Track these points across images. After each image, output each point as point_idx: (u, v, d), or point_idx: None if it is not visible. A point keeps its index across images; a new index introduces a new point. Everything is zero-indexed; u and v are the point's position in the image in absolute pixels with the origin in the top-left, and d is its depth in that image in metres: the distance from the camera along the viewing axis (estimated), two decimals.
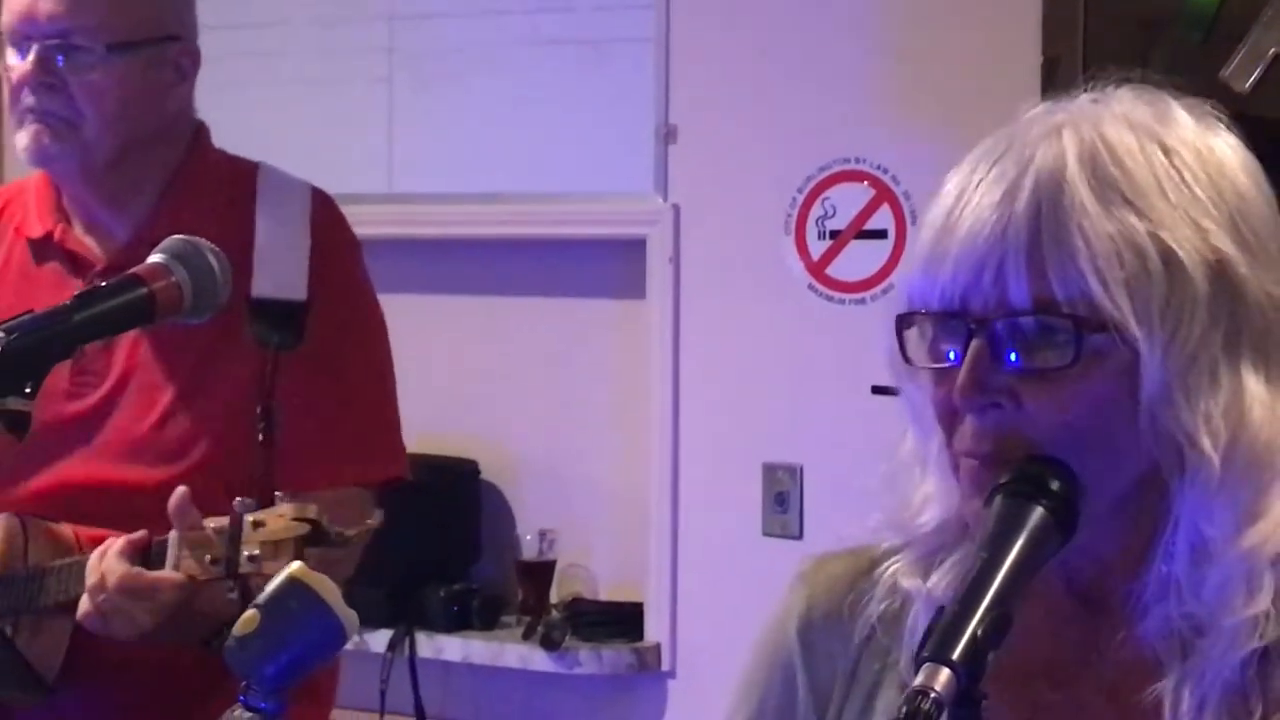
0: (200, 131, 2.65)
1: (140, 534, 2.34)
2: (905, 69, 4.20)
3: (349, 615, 1.25)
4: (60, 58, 2.48)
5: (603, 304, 4.59)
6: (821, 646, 1.53)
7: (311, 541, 2.24)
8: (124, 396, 2.51)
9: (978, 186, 1.38)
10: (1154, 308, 1.34)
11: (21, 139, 2.52)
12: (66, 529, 2.48)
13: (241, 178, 2.61)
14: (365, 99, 4.71)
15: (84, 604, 2.34)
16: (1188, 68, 3.86)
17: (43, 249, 2.60)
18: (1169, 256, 1.35)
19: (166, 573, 2.28)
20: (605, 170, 4.52)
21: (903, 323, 1.41)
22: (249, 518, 2.24)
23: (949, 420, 1.40)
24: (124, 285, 1.90)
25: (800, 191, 4.31)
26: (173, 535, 2.28)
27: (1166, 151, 1.38)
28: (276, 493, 2.30)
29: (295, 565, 1.26)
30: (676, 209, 4.43)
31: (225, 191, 2.59)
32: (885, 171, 4.23)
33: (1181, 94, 1.46)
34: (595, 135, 4.52)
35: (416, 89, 4.71)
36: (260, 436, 2.42)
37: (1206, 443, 1.35)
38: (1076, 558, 1.39)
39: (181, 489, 2.29)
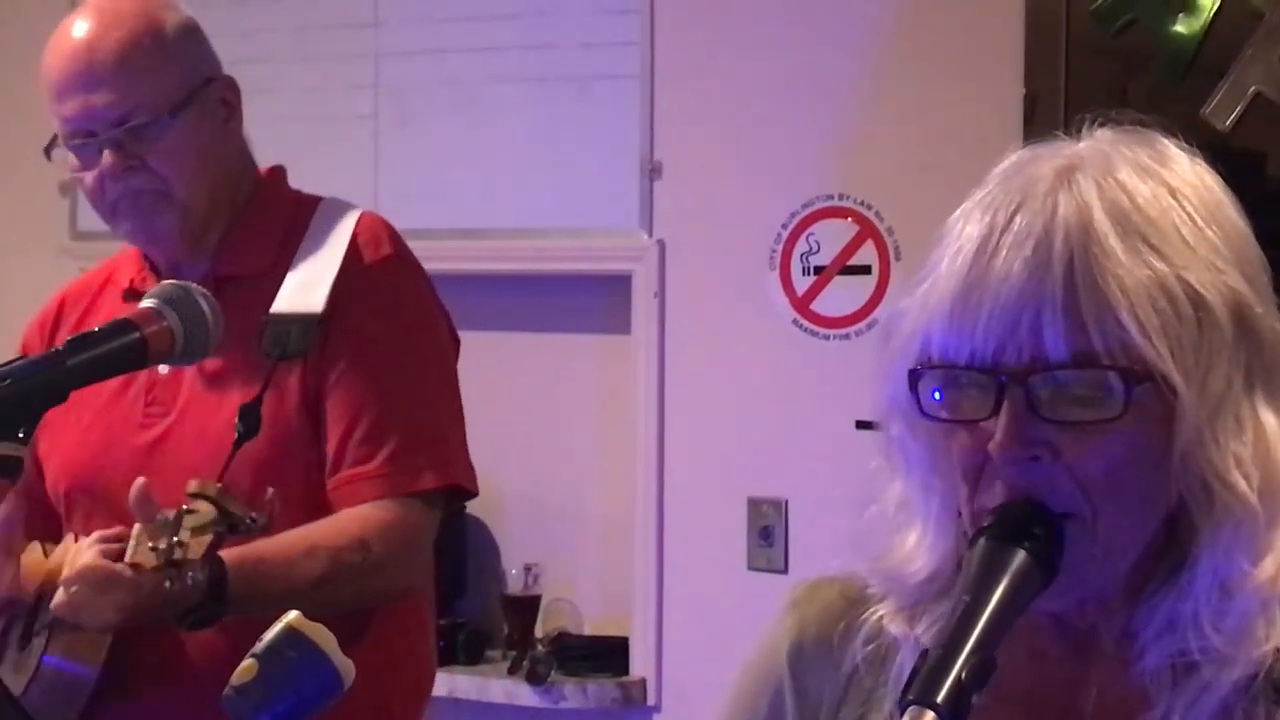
0: (272, 173, 2.75)
1: (116, 529, 2.41)
2: (888, 105, 4.23)
3: (345, 664, 1.26)
4: (127, 139, 2.56)
5: (588, 339, 4.61)
6: (811, 673, 1.53)
7: (230, 528, 2.30)
8: (182, 426, 2.59)
9: (1000, 237, 1.36)
10: (1189, 352, 1.35)
11: (124, 227, 2.63)
12: None
13: (303, 210, 2.69)
14: (351, 135, 4.74)
15: (58, 595, 2.40)
16: (1169, 104, 3.89)
17: (131, 299, 2.66)
18: (1198, 300, 1.35)
19: (121, 564, 2.34)
20: (591, 206, 4.54)
21: (917, 375, 1.40)
22: (185, 506, 2.31)
23: (975, 475, 1.38)
24: (116, 330, 1.92)
25: (785, 227, 4.33)
26: (136, 528, 2.34)
27: (1174, 194, 1.38)
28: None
29: (292, 615, 1.27)
30: (661, 244, 4.45)
31: (285, 227, 2.66)
32: (869, 208, 4.25)
33: (1164, 130, 1.46)
34: (581, 171, 4.54)
35: (402, 125, 4.73)
36: (237, 435, 2.44)
37: (1241, 484, 1.36)
38: (1081, 601, 1.40)
39: (139, 480, 2.34)
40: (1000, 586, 1.31)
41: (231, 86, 2.68)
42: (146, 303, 1.98)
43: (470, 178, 4.64)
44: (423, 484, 2.58)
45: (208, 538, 2.29)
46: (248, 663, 1.27)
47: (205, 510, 2.30)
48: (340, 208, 2.70)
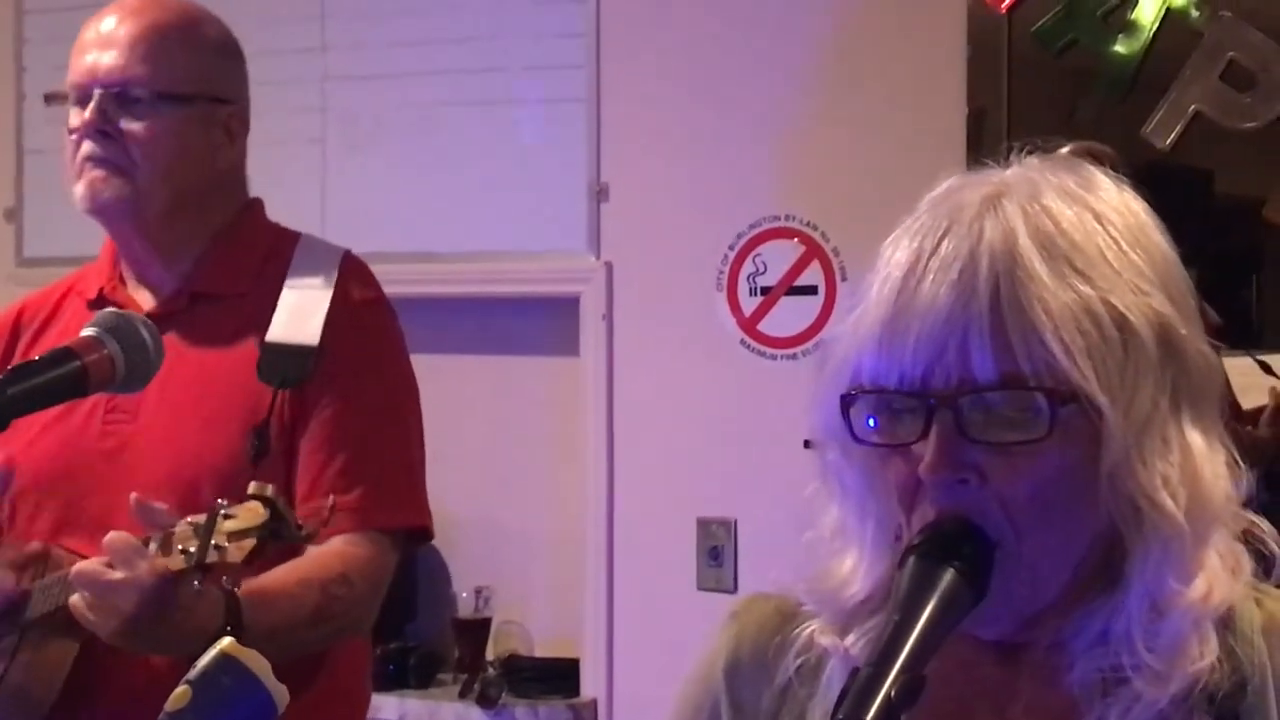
0: (253, 203, 2.77)
1: (121, 534, 2.36)
2: (833, 125, 4.26)
3: (279, 690, 1.27)
4: (116, 107, 2.59)
5: (536, 361, 4.63)
6: (747, 687, 1.54)
7: (274, 533, 2.28)
8: (146, 434, 2.59)
9: (928, 262, 1.38)
10: (1114, 374, 1.36)
11: (79, 189, 2.62)
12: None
13: (282, 242, 2.72)
14: (299, 159, 4.74)
15: (74, 597, 2.37)
16: (1110, 122, 3.93)
17: (97, 308, 2.66)
18: (1122, 322, 1.37)
19: (111, 570, 2.31)
20: (538, 229, 4.55)
21: (848, 400, 1.41)
22: (222, 511, 2.28)
23: (909, 499, 1.40)
24: (57, 359, 1.92)
25: (731, 248, 4.36)
26: (157, 533, 2.33)
27: (1099, 218, 1.40)
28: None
29: (226, 641, 1.28)
30: (609, 266, 4.47)
31: (263, 253, 2.69)
32: (815, 228, 4.28)
33: (1093, 159, 1.48)
34: (528, 194, 4.56)
35: (350, 149, 4.74)
36: (252, 454, 2.50)
37: (1169, 503, 1.37)
38: (1011, 615, 1.41)
39: (133, 495, 2.33)
40: (929, 605, 1.32)
41: (241, 118, 2.71)
42: (87, 331, 1.98)
43: (418, 201, 4.66)
44: (395, 522, 2.62)
45: (250, 542, 2.26)
46: (181, 689, 1.28)
47: (249, 515, 2.27)
48: (322, 245, 2.74)
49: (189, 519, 2.30)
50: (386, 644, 4.46)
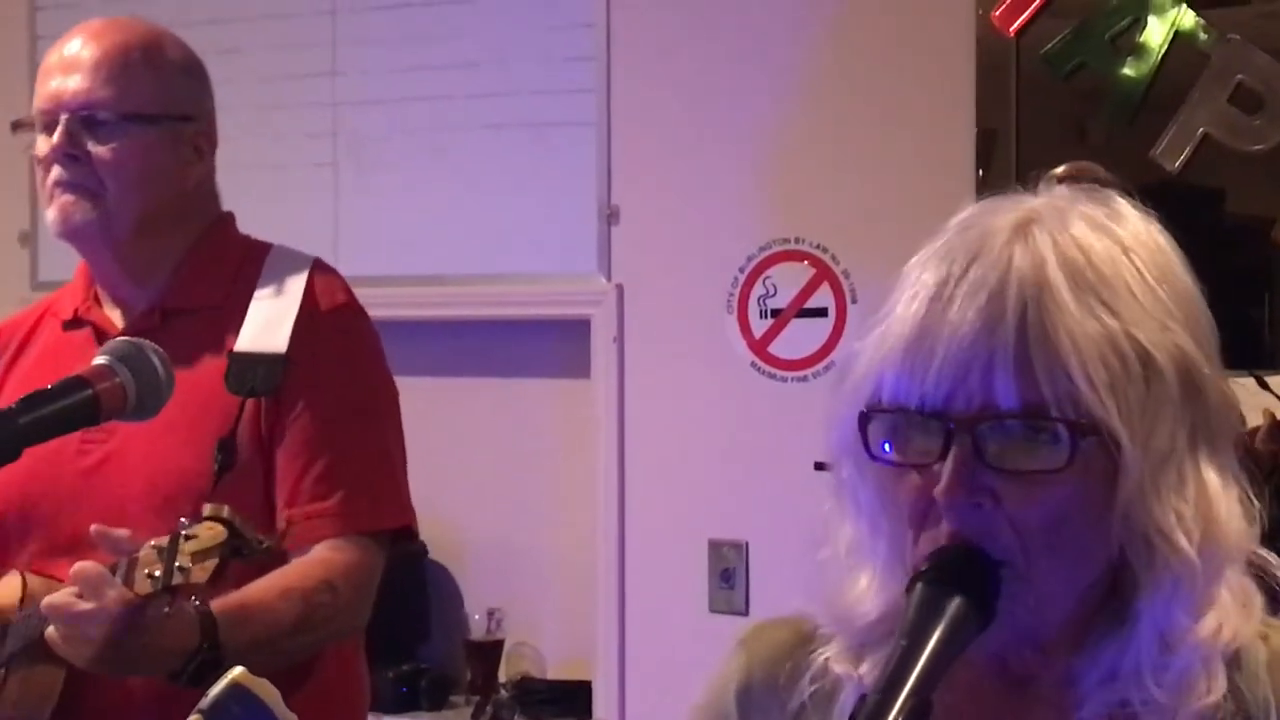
0: (224, 218, 2.78)
1: (90, 563, 2.36)
2: (843, 148, 4.26)
3: (289, 718, 1.28)
4: (82, 130, 2.61)
5: (547, 383, 4.63)
6: (759, 713, 1.55)
7: (235, 551, 2.29)
8: (124, 452, 2.59)
9: (956, 285, 1.38)
10: (1135, 408, 1.36)
11: (50, 214, 2.66)
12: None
13: (254, 254, 2.73)
14: (310, 183, 4.76)
15: (49, 629, 2.38)
16: (1119, 144, 3.94)
17: (72, 328, 2.75)
18: (1146, 358, 1.37)
19: (78, 598, 2.32)
20: (549, 251, 4.56)
21: (867, 418, 1.41)
22: (184, 532, 2.29)
23: (920, 519, 1.40)
24: (69, 387, 1.93)
25: (742, 271, 4.36)
26: (122, 559, 2.34)
27: (1126, 251, 1.40)
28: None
29: (237, 671, 1.29)
30: (620, 289, 4.48)
31: (235, 266, 2.71)
32: (825, 250, 4.29)
33: (1120, 190, 1.48)
34: (539, 217, 4.57)
35: (361, 173, 4.75)
36: (215, 468, 2.50)
37: (1182, 540, 1.37)
38: (1018, 644, 1.42)
39: (94, 526, 2.34)
40: (937, 631, 1.33)
41: (207, 135, 2.72)
42: (99, 360, 1.99)
43: (429, 224, 4.67)
44: (378, 524, 2.64)
45: (213, 561, 2.28)
46: (193, 718, 1.29)
47: (209, 534, 2.29)
48: (292, 254, 2.75)
49: (152, 542, 2.31)
50: (399, 666, 4.47)
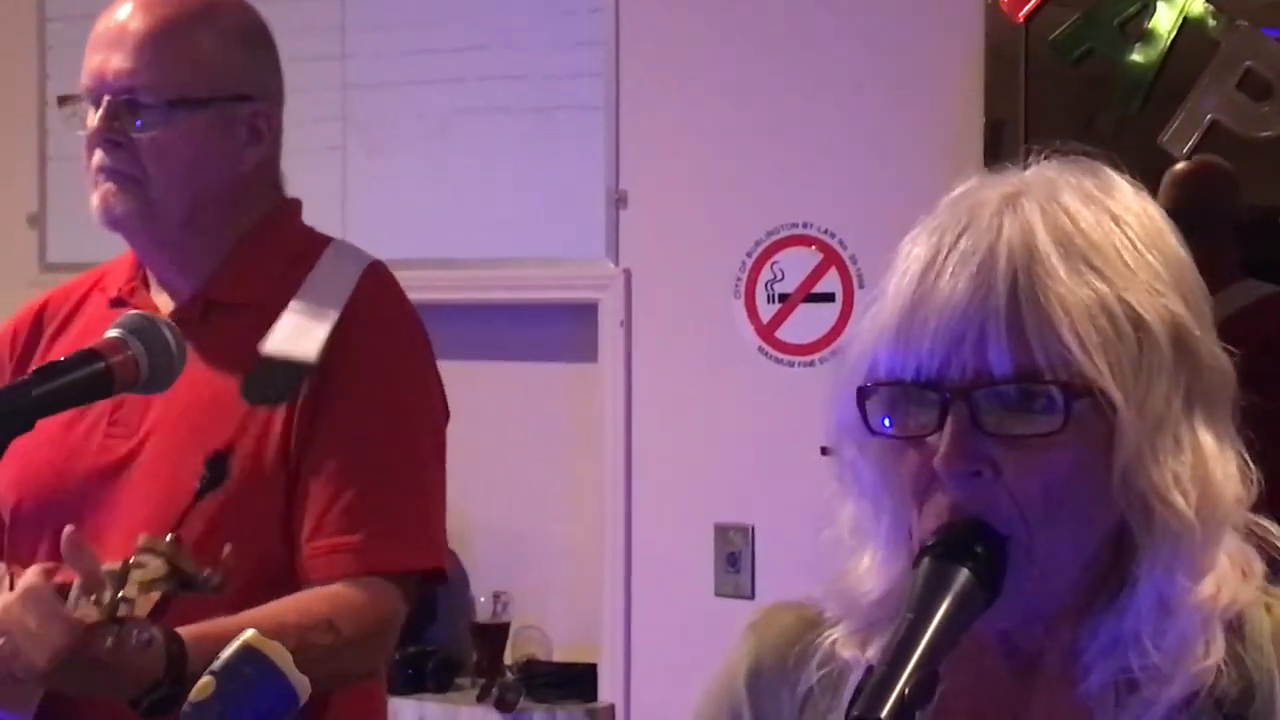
0: (286, 205, 2.59)
1: (52, 565, 2.24)
2: (851, 134, 4.27)
3: (301, 680, 1.28)
4: (125, 114, 2.41)
5: (555, 367, 4.64)
6: (768, 697, 1.55)
7: (182, 584, 2.15)
8: (145, 452, 2.44)
9: (947, 257, 1.39)
10: (1128, 370, 1.37)
11: (93, 200, 2.44)
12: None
13: (311, 248, 2.52)
14: (319, 166, 4.76)
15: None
16: (1128, 131, 3.94)
17: (117, 306, 2.51)
18: (1138, 320, 1.38)
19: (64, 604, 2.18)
20: (557, 235, 4.57)
21: (865, 394, 1.42)
22: (133, 559, 2.16)
23: (922, 493, 1.41)
24: (82, 359, 1.91)
25: (749, 255, 4.37)
26: (77, 580, 2.18)
27: (1116, 220, 1.41)
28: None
29: (249, 633, 1.30)
30: (628, 273, 4.48)
31: (287, 261, 2.50)
32: (833, 235, 4.29)
33: (1109, 163, 1.50)
34: (547, 201, 4.58)
35: (370, 156, 4.76)
36: (198, 485, 2.28)
37: (1180, 502, 1.38)
38: (1026, 619, 1.42)
39: (68, 529, 2.19)
40: (943, 605, 1.33)
41: (268, 115, 2.51)
42: (111, 332, 1.96)
43: (437, 208, 4.68)
44: (402, 565, 2.42)
45: (156, 595, 2.13)
46: (205, 679, 1.29)
47: (155, 565, 2.15)
48: (351, 252, 2.54)
49: (105, 566, 2.16)
50: (405, 648, 4.47)
